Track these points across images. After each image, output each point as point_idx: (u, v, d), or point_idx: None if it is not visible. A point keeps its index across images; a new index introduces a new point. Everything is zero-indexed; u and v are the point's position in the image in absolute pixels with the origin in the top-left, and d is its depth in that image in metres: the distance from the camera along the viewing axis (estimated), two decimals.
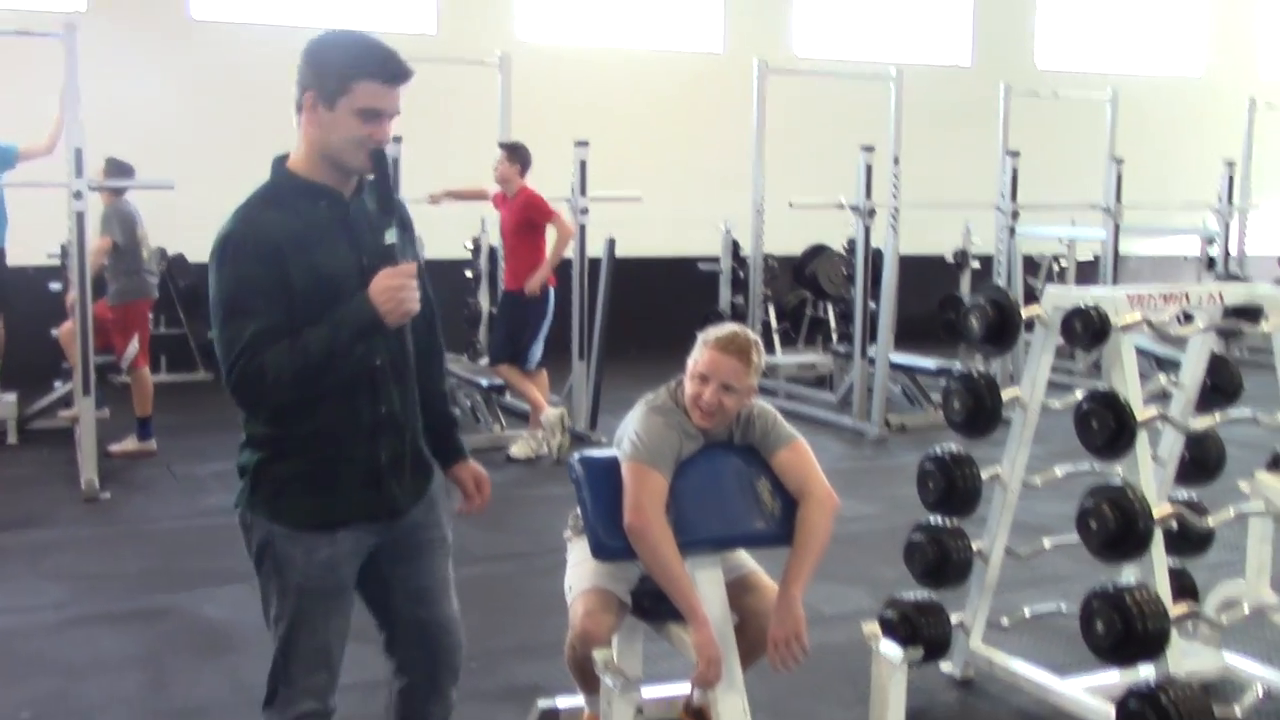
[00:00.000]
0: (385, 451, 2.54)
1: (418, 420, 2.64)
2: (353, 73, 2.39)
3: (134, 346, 7.43)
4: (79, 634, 4.57)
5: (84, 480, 6.59)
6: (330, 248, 2.43)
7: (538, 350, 7.63)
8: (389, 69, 2.40)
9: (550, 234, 7.57)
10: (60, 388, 8.24)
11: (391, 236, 2.47)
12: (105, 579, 5.20)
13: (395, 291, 2.38)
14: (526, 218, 7.51)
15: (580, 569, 3.28)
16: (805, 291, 10.89)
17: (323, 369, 2.37)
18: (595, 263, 8.14)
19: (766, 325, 10.28)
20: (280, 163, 2.52)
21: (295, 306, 2.38)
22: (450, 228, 9.37)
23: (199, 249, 10.17)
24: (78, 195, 6.57)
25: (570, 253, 7.96)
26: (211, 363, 10.05)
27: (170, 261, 9.89)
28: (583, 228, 8.08)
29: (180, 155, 9.50)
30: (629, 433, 3.16)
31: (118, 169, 7.51)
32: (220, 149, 9.92)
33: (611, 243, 8.05)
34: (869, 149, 8.52)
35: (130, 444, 7.52)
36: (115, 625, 4.66)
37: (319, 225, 2.44)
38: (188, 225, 9.69)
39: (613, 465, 3.13)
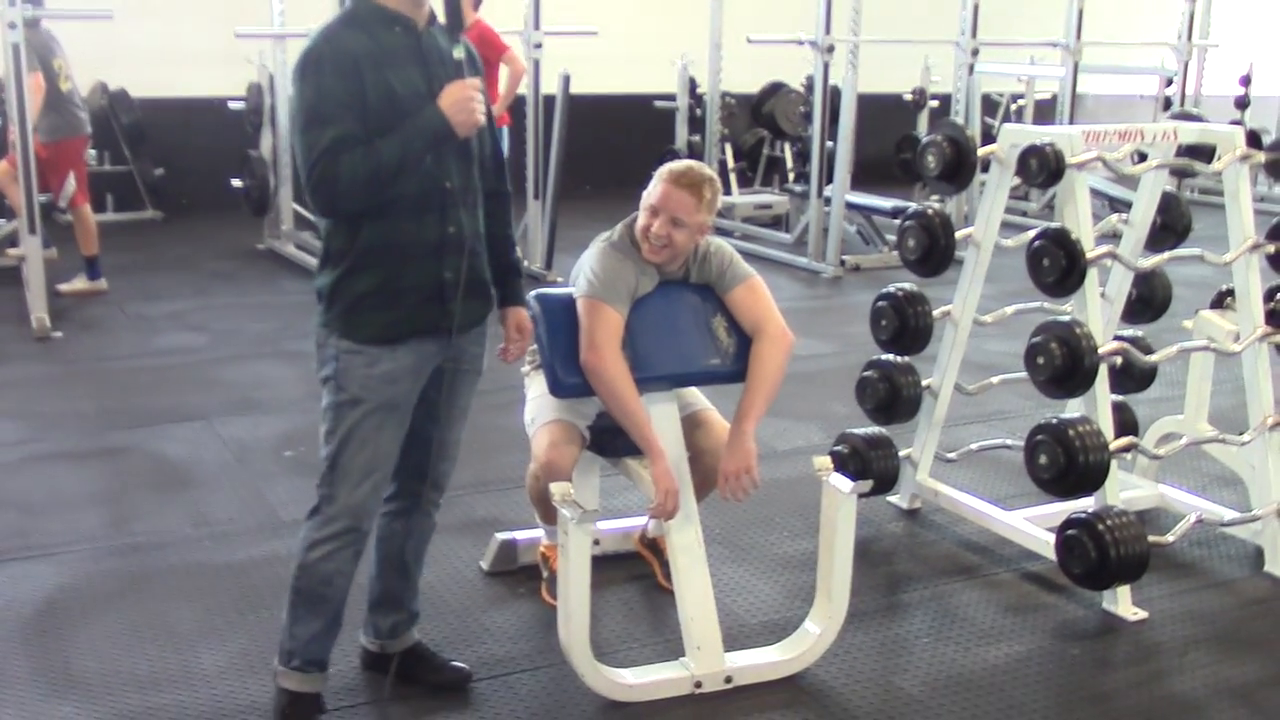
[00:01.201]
0: (449, 270, 2.66)
1: (482, 245, 2.77)
2: None
3: (71, 184, 7.25)
4: (37, 471, 4.60)
5: (34, 319, 6.53)
6: (403, 70, 2.56)
7: None
8: None
9: (502, 71, 7.42)
10: (4, 225, 8.10)
11: (459, 52, 2.65)
12: (61, 417, 5.20)
13: (465, 102, 2.54)
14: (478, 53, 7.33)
15: (541, 402, 3.32)
16: (763, 130, 10.77)
17: (394, 174, 2.51)
18: (549, 100, 8.02)
19: (723, 165, 10.21)
20: None
21: (369, 120, 2.50)
22: None
23: (142, 83, 9.90)
24: (12, 26, 6.33)
25: (524, 90, 7.82)
26: (160, 201, 9.89)
27: (112, 96, 9.63)
28: (536, 63, 7.92)
29: None
30: (584, 270, 3.17)
31: None
32: None
33: (566, 79, 7.91)
34: None
35: (80, 283, 7.44)
36: (74, 463, 4.69)
37: (394, 49, 2.57)
38: (129, 59, 9.51)
39: (569, 303, 3.15)
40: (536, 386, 3.36)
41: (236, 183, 8.89)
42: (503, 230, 2.91)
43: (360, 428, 2.67)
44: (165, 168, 9.83)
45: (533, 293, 3.22)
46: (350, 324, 2.65)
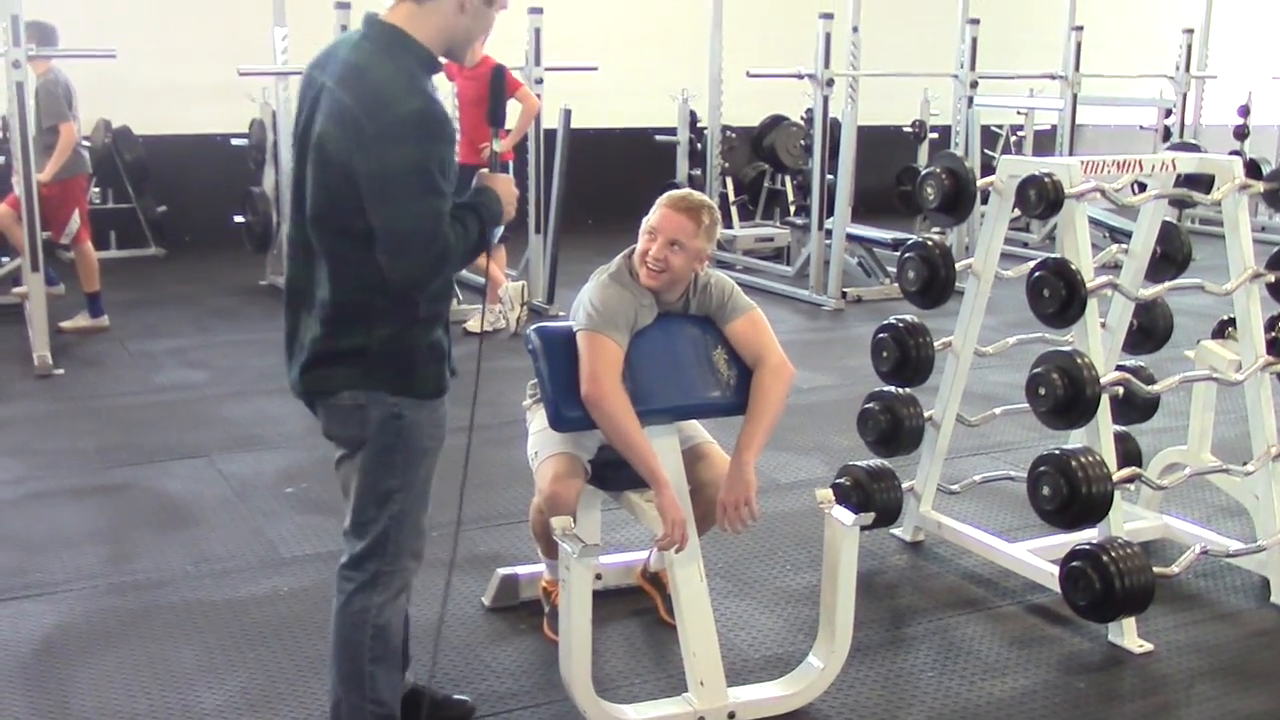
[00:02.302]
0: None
1: None
2: None
3: (75, 221, 7.28)
4: (37, 509, 4.58)
5: (37, 356, 6.54)
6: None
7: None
8: None
9: (513, 107, 7.45)
10: (8, 263, 8.12)
11: (498, 145, 2.66)
12: (63, 454, 5.20)
13: (512, 197, 2.64)
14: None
15: (544, 435, 3.31)
16: (763, 164, 10.83)
17: (477, 250, 2.53)
18: (550, 135, 8.04)
19: (724, 198, 10.25)
20: (403, 33, 2.45)
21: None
22: None
23: (145, 120, 9.92)
24: (16, 65, 6.37)
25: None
26: (163, 237, 9.91)
27: (115, 134, 9.67)
28: (537, 99, 7.96)
29: (120, 24, 9.23)
30: (584, 302, 3.17)
31: (40, 33, 6.86)
32: (162, 19, 9.68)
33: (567, 114, 7.95)
34: (828, 17, 8.42)
35: (82, 320, 7.45)
36: (74, 500, 4.68)
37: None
38: (132, 96, 9.56)
39: (569, 336, 3.15)
40: (539, 421, 3.35)
41: (239, 219, 8.93)
42: None
43: (426, 480, 2.64)
44: (168, 204, 9.86)
45: (532, 327, 3.23)
46: (408, 381, 2.54)
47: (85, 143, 7.50)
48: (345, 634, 2.64)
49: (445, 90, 8.55)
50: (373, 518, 2.59)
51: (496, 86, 2.71)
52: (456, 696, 3.15)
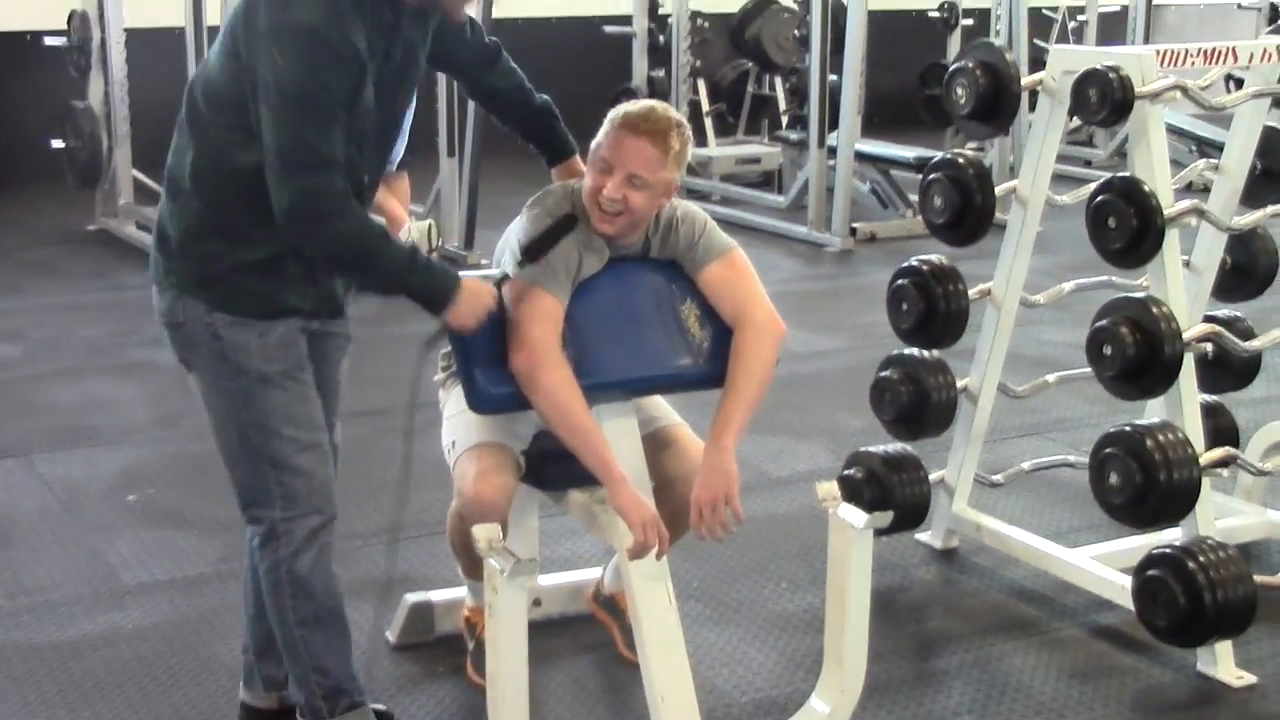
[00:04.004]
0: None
1: None
2: None
3: None
4: None
5: None
6: (377, 70, 2.79)
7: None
8: None
9: None
10: None
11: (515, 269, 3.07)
12: None
13: (479, 310, 2.94)
14: None
15: (463, 420, 3.30)
16: (745, 61, 10.79)
17: (363, 274, 2.90)
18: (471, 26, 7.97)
19: (695, 106, 10.21)
20: None
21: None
22: None
23: None
24: None
25: None
26: None
27: None
28: None
29: None
30: (512, 245, 3.15)
31: None
32: None
33: None
34: None
35: None
36: None
37: (378, 39, 2.78)
38: None
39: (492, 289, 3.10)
40: (455, 401, 3.33)
41: (57, 144, 8.83)
42: (516, 82, 3.38)
43: (283, 403, 2.89)
44: None
45: None
46: (230, 292, 2.84)
47: None
48: (268, 600, 3.00)
49: None
50: (235, 456, 2.93)
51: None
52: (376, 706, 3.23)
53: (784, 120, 10.44)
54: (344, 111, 2.69)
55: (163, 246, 2.91)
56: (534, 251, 3.06)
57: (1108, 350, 3.60)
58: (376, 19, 2.75)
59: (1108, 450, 3.57)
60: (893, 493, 4.10)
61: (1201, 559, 3.47)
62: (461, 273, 2.96)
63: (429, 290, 2.88)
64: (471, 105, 7.95)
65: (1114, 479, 3.55)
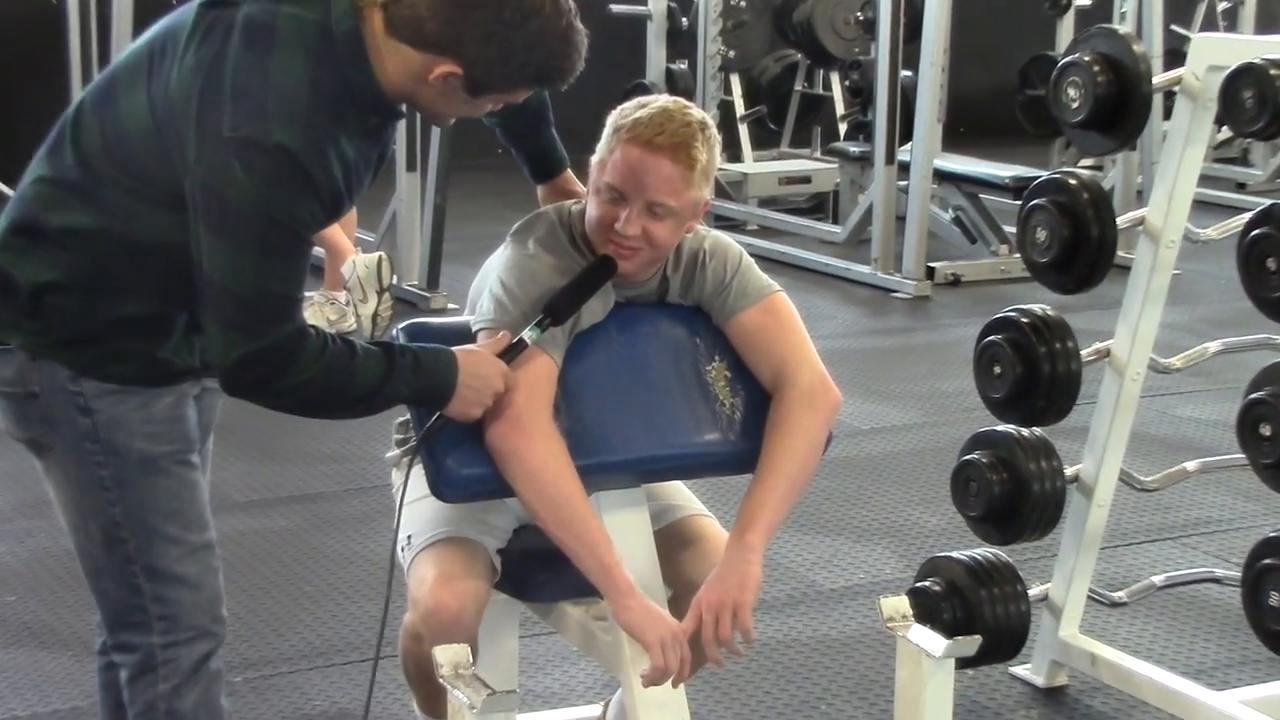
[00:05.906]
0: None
1: None
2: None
3: None
4: None
5: None
6: (359, 188, 2.67)
7: None
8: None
9: None
10: None
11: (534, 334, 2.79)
12: None
13: (488, 394, 2.69)
14: None
15: (423, 509, 3.03)
16: (793, 52, 10.18)
17: (338, 411, 2.78)
18: None
19: (727, 109, 9.66)
20: (354, 37, 2.54)
21: None
22: None
23: None
24: None
25: None
26: None
27: None
28: None
29: None
30: (492, 285, 2.89)
31: None
32: None
33: None
34: None
35: None
36: None
37: (361, 153, 2.63)
38: None
39: (464, 340, 2.87)
40: (414, 485, 3.03)
41: None
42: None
43: (166, 492, 2.66)
44: None
45: (400, 325, 2.94)
46: (100, 354, 2.60)
47: None
48: None
49: None
50: (100, 565, 2.67)
51: None
52: None
53: (841, 129, 9.96)
54: (309, 245, 2.61)
55: (6, 298, 2.62)
56: (561, 311, 2.78)
57: (1266, 430, 3.38)
58: (361, 126, 2.61)
59: (1266, 561, 3.43)
60: (980, 612, 3.81)
61: None
62: (455, 349, 2.74)
63: (422, 393, 2.69)
64: None
65: (1276, 599, 3.40)
